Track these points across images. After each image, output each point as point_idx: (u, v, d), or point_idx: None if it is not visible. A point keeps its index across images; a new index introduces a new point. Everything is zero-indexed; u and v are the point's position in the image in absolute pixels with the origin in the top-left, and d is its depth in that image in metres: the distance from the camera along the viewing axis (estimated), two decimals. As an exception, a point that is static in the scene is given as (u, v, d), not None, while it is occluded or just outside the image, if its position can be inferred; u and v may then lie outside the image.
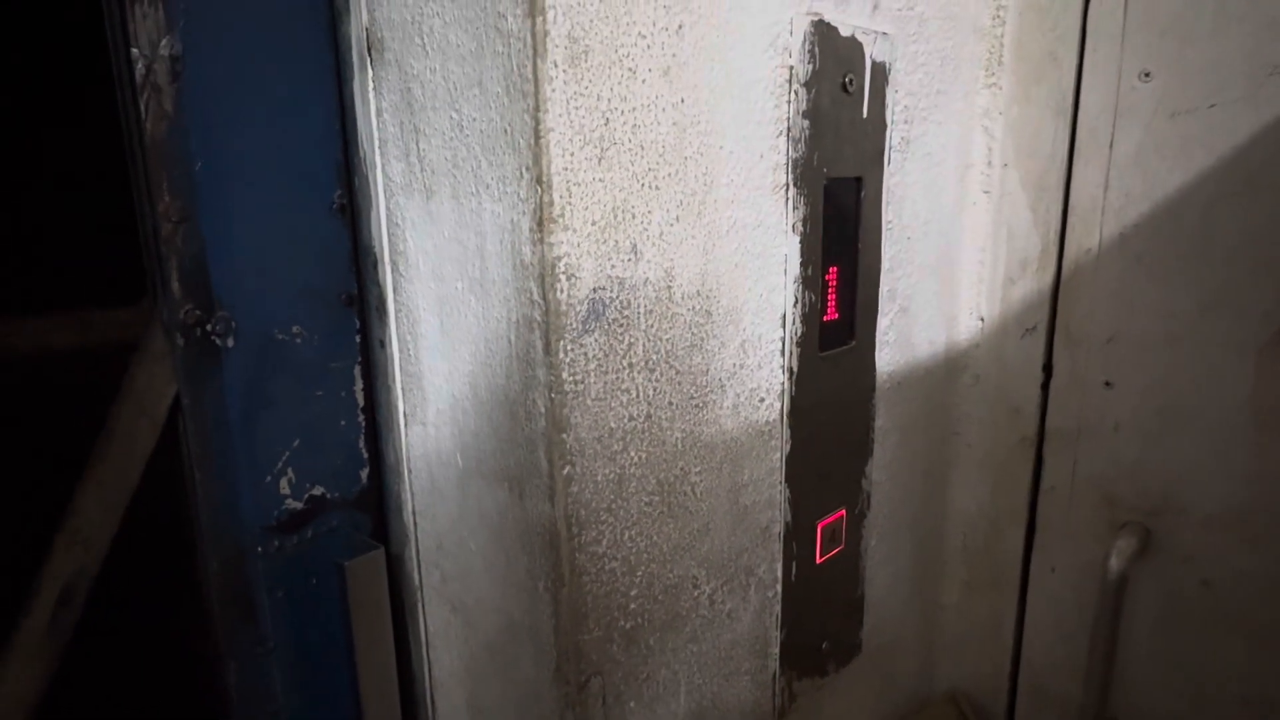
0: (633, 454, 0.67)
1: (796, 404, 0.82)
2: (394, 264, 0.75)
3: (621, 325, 0.64)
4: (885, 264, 0.91)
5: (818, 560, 0.89)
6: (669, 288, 0.67)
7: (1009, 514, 1.08)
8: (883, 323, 0.93)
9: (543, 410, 0.62)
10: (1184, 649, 0.97)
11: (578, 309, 0.61)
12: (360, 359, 0.81)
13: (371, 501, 0.84)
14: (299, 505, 0.79)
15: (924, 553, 1.11)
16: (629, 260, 0.63)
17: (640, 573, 0.70)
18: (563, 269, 0.59)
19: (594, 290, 0.61)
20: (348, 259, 0.79)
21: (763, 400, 0.79)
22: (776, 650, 0.86)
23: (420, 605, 0.82)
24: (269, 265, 0.74)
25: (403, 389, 0.78)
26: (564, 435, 0.62)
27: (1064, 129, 0.97)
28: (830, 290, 0.83)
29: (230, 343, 0.73)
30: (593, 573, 0.66)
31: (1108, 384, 0.98)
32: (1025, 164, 1.01)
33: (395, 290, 0.76)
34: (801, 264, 0.79)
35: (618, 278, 0.63)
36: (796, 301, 0.79)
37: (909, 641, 1.12)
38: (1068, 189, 0.98)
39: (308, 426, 0.79)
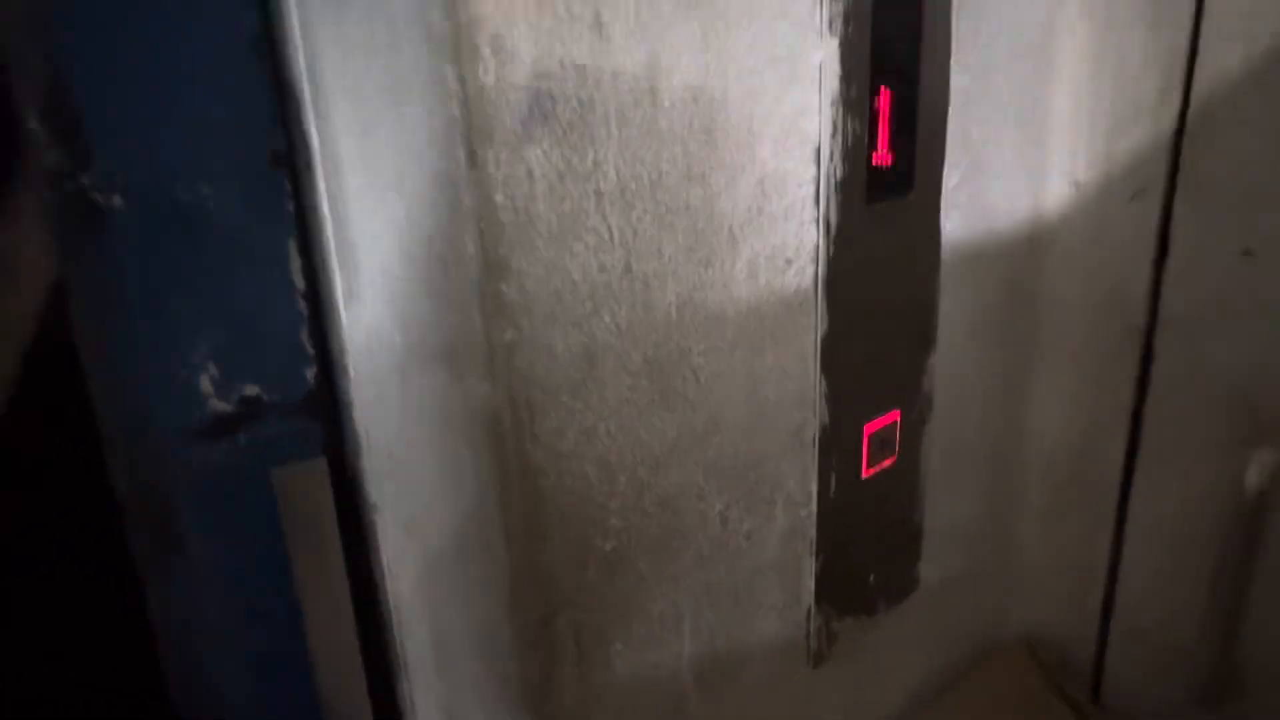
0: (606, 318, 0.50)
1: (836, 270, 0.63)
2: (315, 106, 0.59)
3: (581, 133, 0.46)
4: (955, 98, 0.70)
5: (864, 474, 0.72)
6: (651, 89, 0.49)
7: (1107, 424, 0.88)
8: (951, 177, 0.73)
9: (473, 252, 0.45)
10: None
11: (512, 101, 0.43)
12: (296, 232, 0.66)
13: (320, 406, 0.70)
14: (226, 408, 0.65)
15: (998, 470, 0.92)
16: (591, 37, 0.45)
17: (623, 479, 0.54)
18: (486, 39, 0.42)
19: (537, 78, 0.44)
20: (267, 103, 0.63)
21: (790, 262, 0.61)
22: (811, 583, 0.70)
23: (376, 523, 0.69)
24: (164, 103, 0.58)
25: (339, 261, 0.63)
26: (502, 285, 0.45)
27: (1201, -86, 0.74)
28: (881, 120, 0.63)
29: (117, 202, 0.58)
30: (553, 475, 0.50)
31: (1248, 252, 0.76)
32: (1144, -30, 0.77)
33: (321, 138, 0.60)
34: (841, 78, 0.59)
35: (573, 63, 0.45)
36: (835, 130, 0.60)
37: (977, 578, 0.94)
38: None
39: (232, 313, 0.64)
